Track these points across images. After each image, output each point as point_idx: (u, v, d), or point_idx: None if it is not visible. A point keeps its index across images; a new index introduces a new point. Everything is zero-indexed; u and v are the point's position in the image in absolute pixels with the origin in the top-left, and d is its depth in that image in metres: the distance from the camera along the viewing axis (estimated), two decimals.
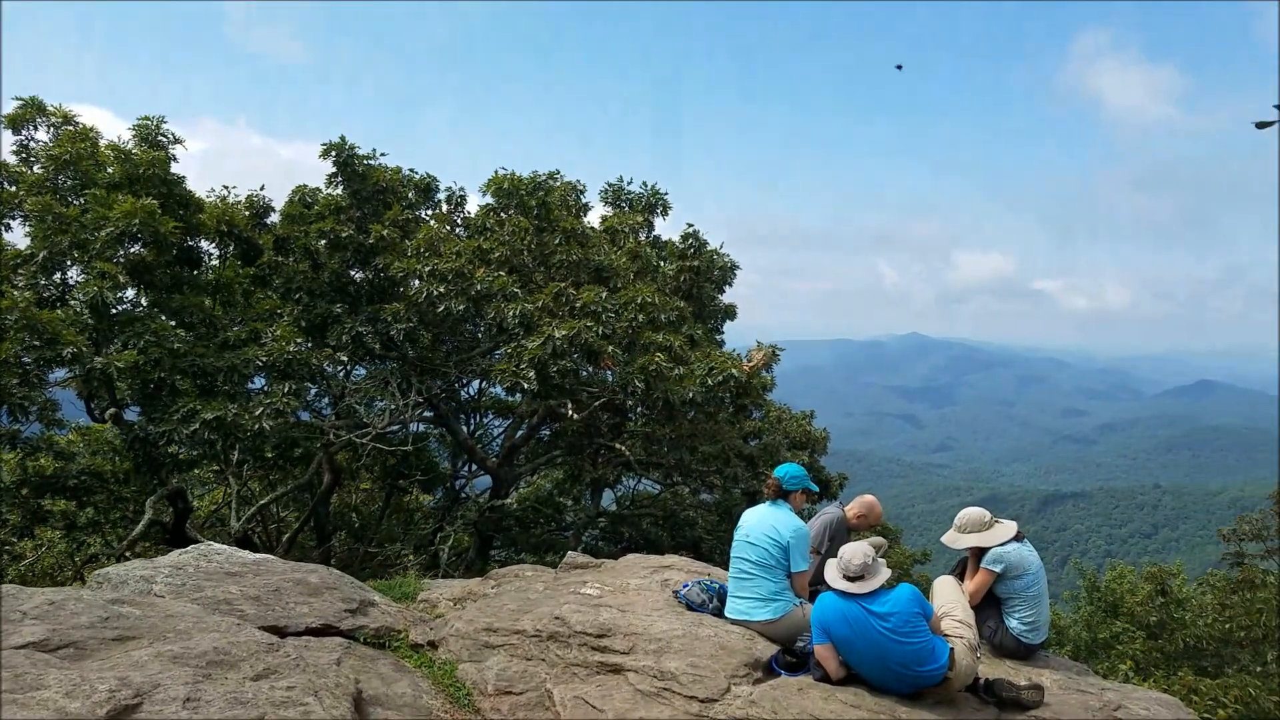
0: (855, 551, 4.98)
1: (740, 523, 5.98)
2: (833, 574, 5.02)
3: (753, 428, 17.21)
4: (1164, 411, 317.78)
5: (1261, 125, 1.49)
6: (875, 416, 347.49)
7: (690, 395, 11.79)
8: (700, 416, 13.61)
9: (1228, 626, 14.31)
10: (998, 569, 5.99)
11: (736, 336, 17.72)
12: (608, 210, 16.39)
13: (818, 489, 6.64)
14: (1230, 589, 15.21)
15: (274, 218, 14.75)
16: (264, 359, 11.43)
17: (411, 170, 15.11)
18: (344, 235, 13.32)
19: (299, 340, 12.07)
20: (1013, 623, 6.03)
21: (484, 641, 5.46)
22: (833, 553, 5.48)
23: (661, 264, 15.16)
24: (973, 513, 6.29)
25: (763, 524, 5.79)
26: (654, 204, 16.24)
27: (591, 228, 15.00)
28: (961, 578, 6.29)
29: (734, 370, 12.00)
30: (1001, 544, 6.04)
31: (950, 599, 5.58)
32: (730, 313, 16.70)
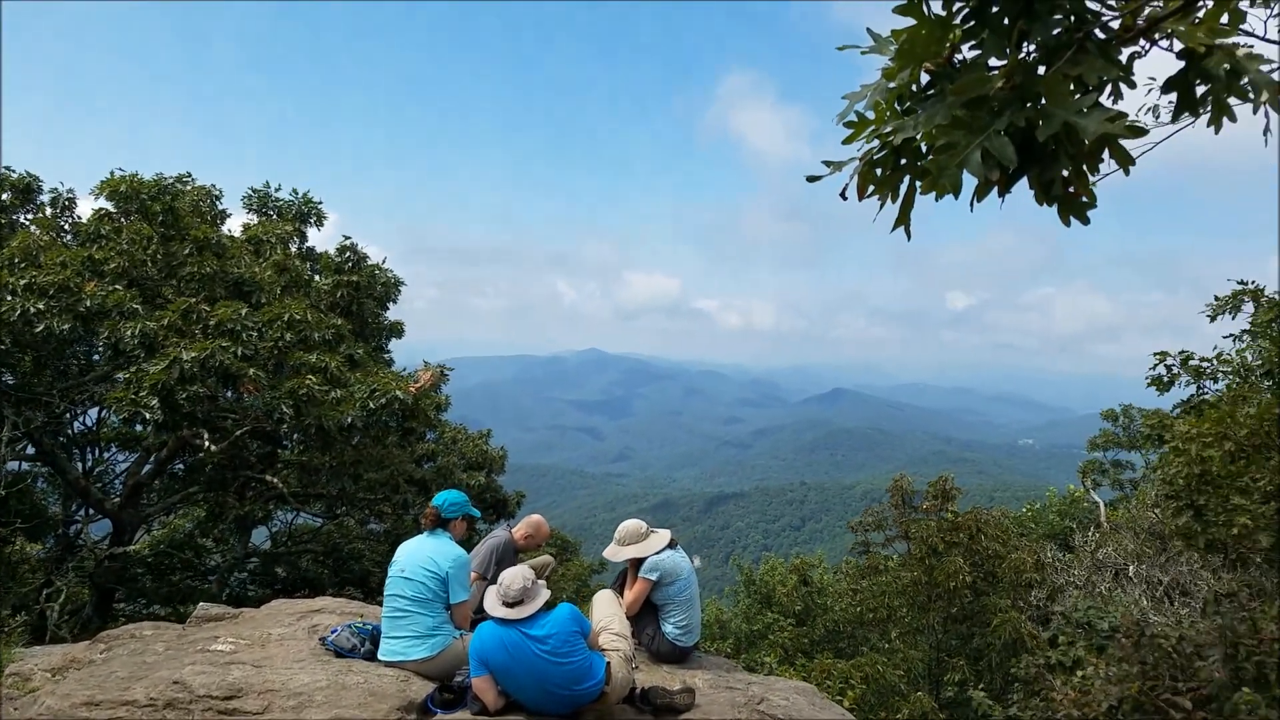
0: (514, 576, 4.86)
1: (395, 557, 5.56)
2: (492, 601, 4.86)
3: (426, 450, 16.51)
4: (806, 417, 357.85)
5: (811, 179, 1.53)
6: (558, 430, 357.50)
7: (349, 420, 10.93)
8: (366, 441, 12.76)
9: (859, 610, 15.80)
10: (654, 577, 6.11)
11: (412, 353, 17.01)
12: (252, 218, 14.90)
13: (480, 514, 6.31)
14: (860, 575, 16.81)
15: None
16: None
17: (8, 169, 12.81)
18: None
19: None
20: (668, 627, 6.15)
21: (84, 718, 4.59)
22: None
23: (316, 278, 14.04)
24: (630, 525, 6.38)
25: (419, 556, 5.41)
26: (306, 213, 15.02)
27: (231, 237, 13.52)
28: (623, 589, 6.37)
29: (399, 392, 11.30)
30: (657, 552, 6.17)
31: (607, 613, 5.63)
32: (396, 330, 15.89)
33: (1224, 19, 1.72)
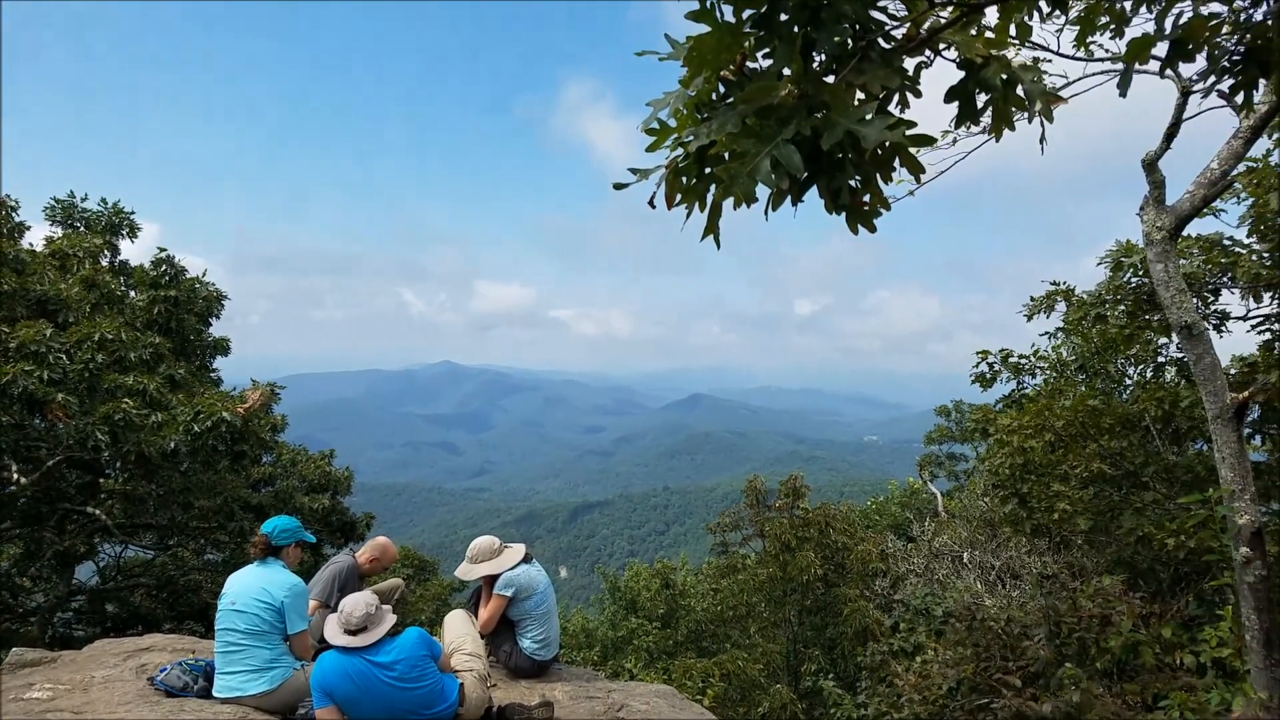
0: (355, 603, 4.66)
1: (225, 589, 5.22)
2: (333, 630, 4.66)
3: (262, 474, 15.66)
4: (666, 422, 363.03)
5: (618, 186, 1.52)
6: (413, 447, 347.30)
7: (173, 445, 10.20)
8: (195, 467, 11.96)
9: (719, 608, 16.10)
10: (509, 593, 5.97)
11: (249, 370, 16.09)
12: (56, 231, 13.70)
13: (314, 538, 6.00)
14: (720, 574, 17.13)
15: None
16: None
17: None
18: None
19: None
20: (525, 642, 6.03)
21: None
22: None
23: (130, 294, 13.06)
24: (482, 542, 6.23)
25: (251, 587, 5.09)
26: (118, 224, 13.91)
27: (31, 251, 12.36)
28: (477, 608, 6.22)
29: (226, 413, 10.64)
30: (511, 568, 6.04)
31: (459, 633, 5.56)
32: (221, 347, 15.00)
33: (1012, 32, 1.79)
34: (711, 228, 1.70)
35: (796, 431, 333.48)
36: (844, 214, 1.64)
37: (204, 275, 14.15)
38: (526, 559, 6.19)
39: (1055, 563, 9.73)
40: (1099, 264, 9.63)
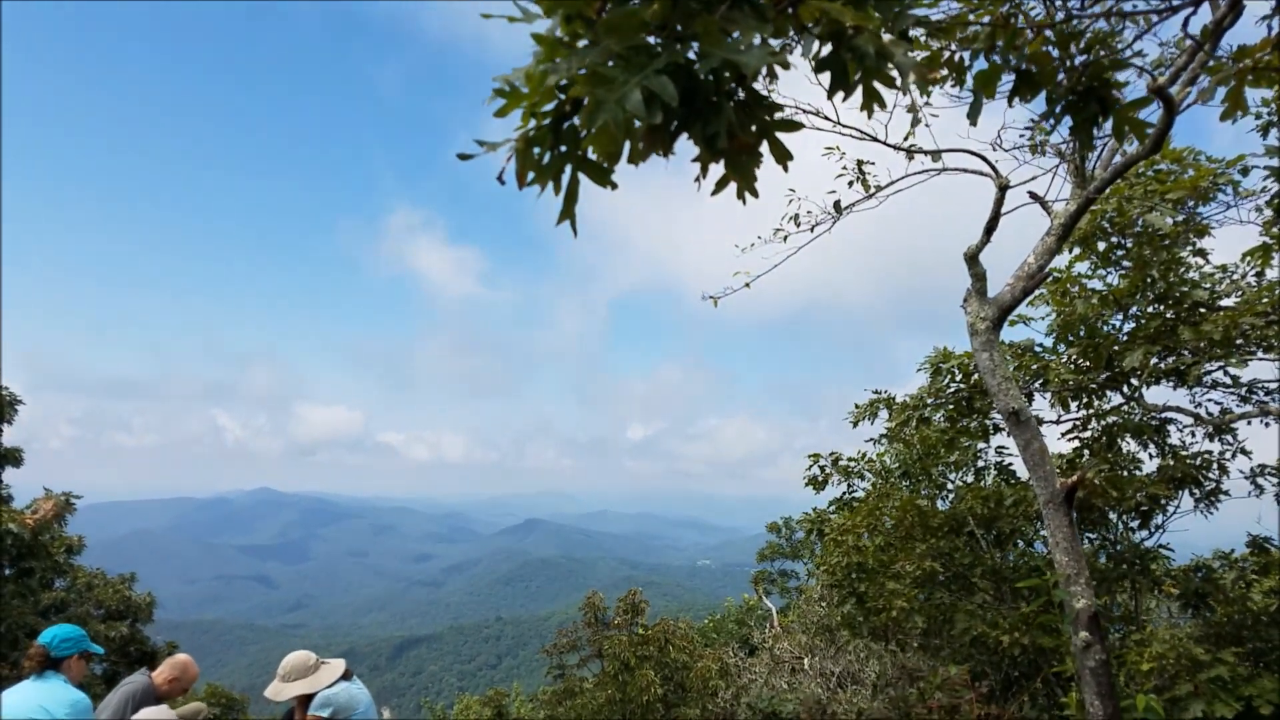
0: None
1: None
2: None
3: (54, 599, 13.99)
4: (500, 548, 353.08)
5: (463, 157, 1.41)
6: (224, 580, 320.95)
7: None
8: None
9: None
10: (326, 714, 5.39)
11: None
12: None
13: (102, 649, 5.26)
14: (557, 700, 16.35)
15: None
16: None
17: None
18: None
19: None
20: None
21: None
22: None
23: None
24: (296, 658, 5.69)
25: (25, 705, 4.42)
26: None
27: None
28: None
29: (12, 525, 9.51)
30: (329, 686, 5.46)
31: None
32: (13, 458, 13.54)
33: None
34: (568, 212, 1.53)
35: (632, 556, 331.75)
36: (723, 161, 1.50)
37: None
38: (346, 676, 5.64)
39: (893, 666, 9.79)
40: (918, 370, 10.08)
